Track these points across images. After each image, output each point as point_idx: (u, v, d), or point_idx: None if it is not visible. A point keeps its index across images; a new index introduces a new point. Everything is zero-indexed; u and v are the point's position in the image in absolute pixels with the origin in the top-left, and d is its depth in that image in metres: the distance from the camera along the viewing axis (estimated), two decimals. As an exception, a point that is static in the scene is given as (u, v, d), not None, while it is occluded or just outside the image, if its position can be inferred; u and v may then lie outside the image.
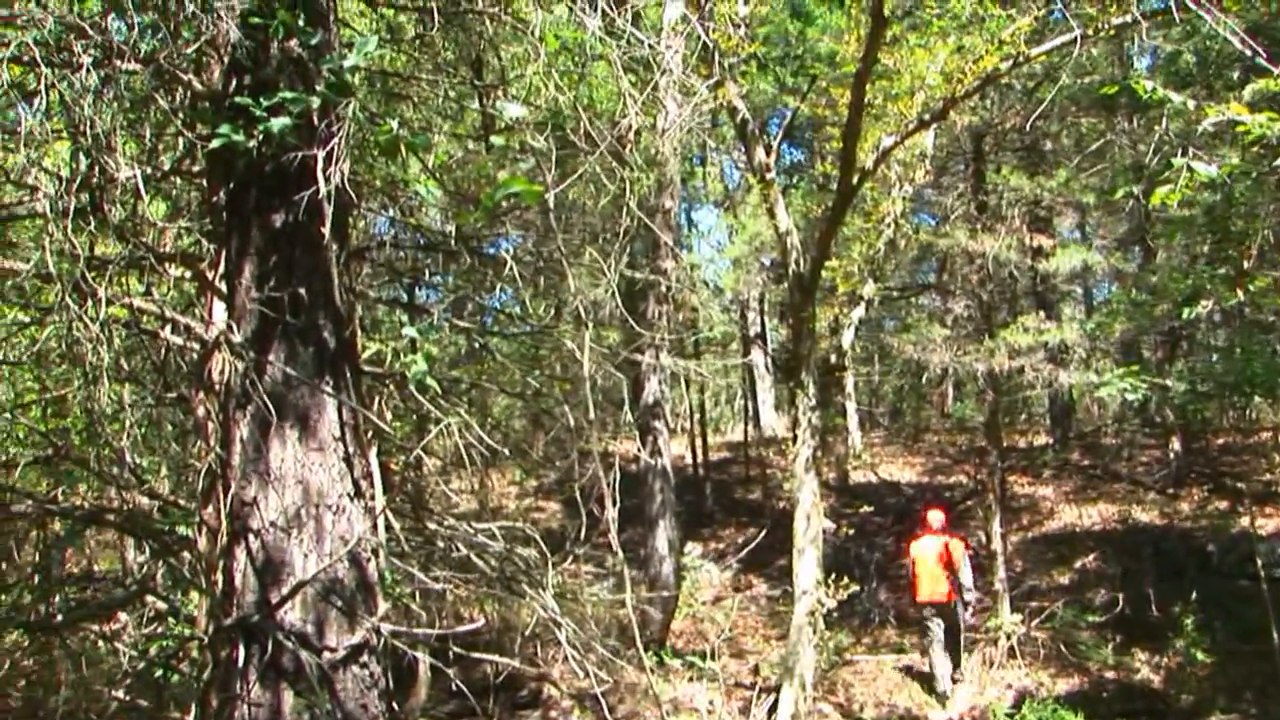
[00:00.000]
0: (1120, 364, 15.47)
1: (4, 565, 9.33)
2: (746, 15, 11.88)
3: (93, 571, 11.61)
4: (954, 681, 13.49)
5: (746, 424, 28.15)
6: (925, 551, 13.66)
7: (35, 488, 7.82)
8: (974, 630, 14.70)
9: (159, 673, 6.28)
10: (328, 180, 4.66)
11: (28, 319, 6.56)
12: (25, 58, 4.64)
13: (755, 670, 14.35)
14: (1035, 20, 10.27)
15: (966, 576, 13.55)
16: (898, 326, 22.66)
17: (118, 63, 4.84)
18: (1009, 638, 13.94)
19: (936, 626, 13.40)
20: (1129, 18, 9.05)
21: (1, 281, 5.84)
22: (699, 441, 24.91)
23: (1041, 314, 16.81)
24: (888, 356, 22.11)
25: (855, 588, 12.77)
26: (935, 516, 14.02)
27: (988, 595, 15.09)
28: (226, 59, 5.16)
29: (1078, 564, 17.21)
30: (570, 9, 5.79)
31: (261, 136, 4.77)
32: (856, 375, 25.33)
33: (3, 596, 8.82)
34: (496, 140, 6.43)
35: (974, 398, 23.20)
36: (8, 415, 7.29)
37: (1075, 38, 9.12)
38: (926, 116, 10.91)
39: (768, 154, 12.29)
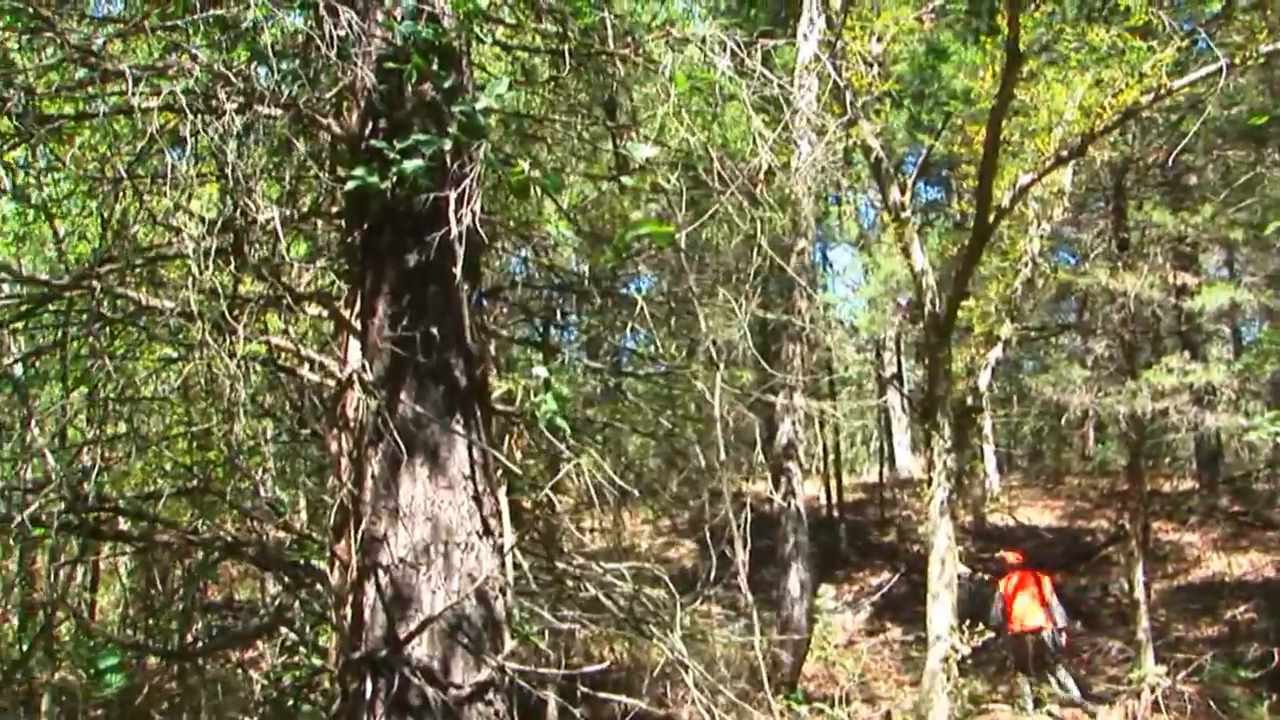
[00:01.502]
0: (1272, 406, 14.89)
1: (152, 592, 9.64)
2: (880, 53, 11.79)
3: (233, 600, 11.92)
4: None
5: (882, 465, 27.78)
6: (1019, 586, 13.92)
7: (181, 518, 8.07)
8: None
9: (290, 703, 6.40)
10: (459, 221, 4.73)
11: (175, 355, 6.77)
12: (175, 106, 4.82)
13: (887, 717, 14.08)
14: (1178, 51, 9.96)
15: (1059, 605, 13.88)
16: (1037, 367, 22.16)
17: (259, 108, 5.00)
18: (1153, 690, 13.43)
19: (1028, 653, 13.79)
20: (1279, 45, 8.75)
21: (150, 319, 6.04)
22: (833, 483, 24.63)
23: (1186, 354, 16.22)
24: (1026, 398, 21.61)
25: (991, 634, 12.52)
26: (1013, 556, 14.62)
27: (1130, 645, 14.60)
28: (363, 103, 5.29)
29: (1227, 615, 16.53)
30: (700, 50, 5.80)
31: (395, 178, 4.88)
32: (994, 417, 24.81)
33: (150, 622, 9.11)
34: (627, 181, 6.46)
35: (1116, 440, 22.54)
36: (156, 448, 7.52)
37: (1220, 68, 8.84)
38: (1065, 153, 10.67)
39: (902, 192, 12.17)
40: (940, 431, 11.48)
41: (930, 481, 11.56)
